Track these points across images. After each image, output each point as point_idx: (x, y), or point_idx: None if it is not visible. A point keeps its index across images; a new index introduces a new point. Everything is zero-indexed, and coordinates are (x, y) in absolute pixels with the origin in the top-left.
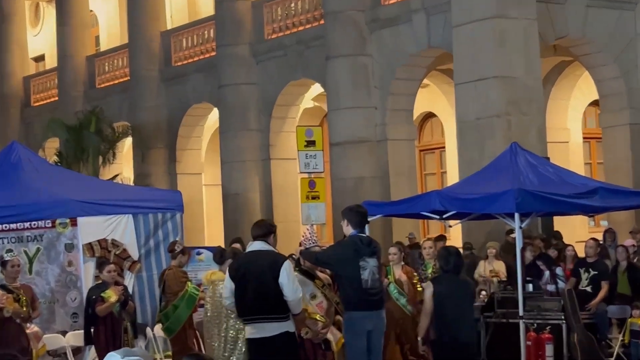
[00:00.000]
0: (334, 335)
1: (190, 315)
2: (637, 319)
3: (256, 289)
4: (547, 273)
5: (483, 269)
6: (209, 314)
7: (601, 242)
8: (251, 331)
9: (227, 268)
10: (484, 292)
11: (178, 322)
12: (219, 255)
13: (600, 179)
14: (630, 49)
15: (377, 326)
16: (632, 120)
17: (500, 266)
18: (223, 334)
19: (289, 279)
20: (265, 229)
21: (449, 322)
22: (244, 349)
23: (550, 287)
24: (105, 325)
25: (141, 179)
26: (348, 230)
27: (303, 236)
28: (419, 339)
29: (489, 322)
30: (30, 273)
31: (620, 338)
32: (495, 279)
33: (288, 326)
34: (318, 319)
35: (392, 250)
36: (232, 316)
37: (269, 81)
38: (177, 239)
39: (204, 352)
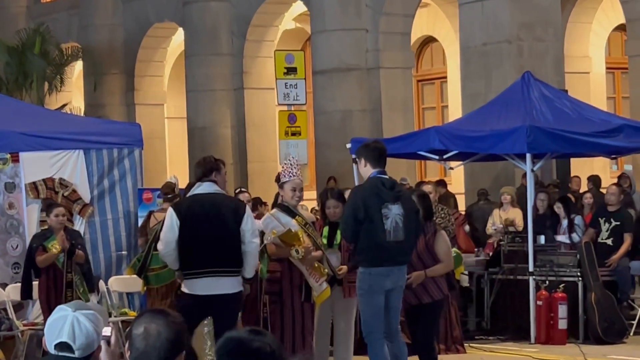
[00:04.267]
0: (318, 286)
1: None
2: None
3: (214, 237)
4: (565, 222)
5: (498, 217)
6: None
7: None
8: (196, 287)
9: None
10: None
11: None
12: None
13: (625, 115)
14: None
15: (398, 284)
16: None
17: (516, 214)
18: None
19: (252, 225)
20: (210, 166)
21: None
22: None
23: (563, 238)
24: (47, 277)
25: (93, 110)
26: (367, 171)
27: (282, 167)
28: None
29: (494, 279)
30: None
31: None
32: (511, 228)
33: (241, 285)
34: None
35: None
36: None
37: None
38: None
39: None
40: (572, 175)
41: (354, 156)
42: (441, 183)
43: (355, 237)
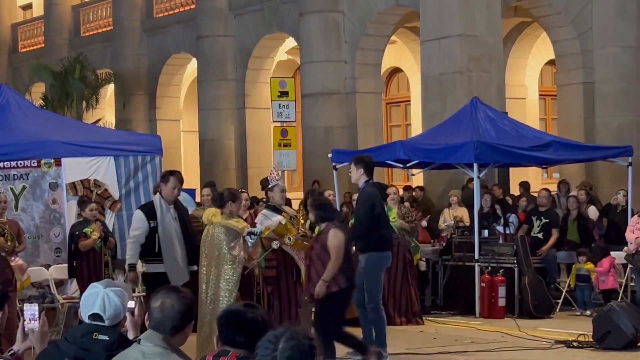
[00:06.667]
0: (305, 267)
1: None
2: (583, 265)
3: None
4: (503, 219)
5: (448, 215)
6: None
7: (554, 192)
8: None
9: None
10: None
11: None
12: (219, 199)
13: (554, 134)
14: (586, 11)
15: None
16: (585, 79)
17: (463, 212)
18: (213, 279)
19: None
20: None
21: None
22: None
23: (500, 228)
24: (87, 259)
25: (122, 124)
26: (362, 178)
27: (269, 175)
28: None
29: (446, 265)
30: (17, 209)
31: (568, 282)
32: (460, 224)
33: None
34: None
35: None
36: (229, 263)
37: (246, 34)
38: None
39: None
40: (509, 181)
41: (334, 164)
42: (408, 189)
43: (367, 230)
